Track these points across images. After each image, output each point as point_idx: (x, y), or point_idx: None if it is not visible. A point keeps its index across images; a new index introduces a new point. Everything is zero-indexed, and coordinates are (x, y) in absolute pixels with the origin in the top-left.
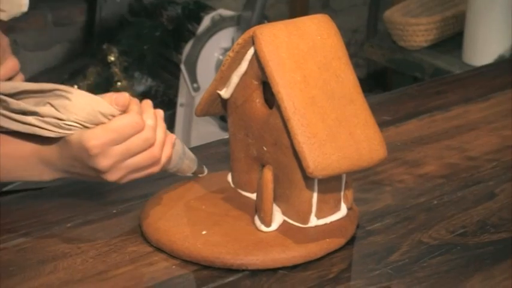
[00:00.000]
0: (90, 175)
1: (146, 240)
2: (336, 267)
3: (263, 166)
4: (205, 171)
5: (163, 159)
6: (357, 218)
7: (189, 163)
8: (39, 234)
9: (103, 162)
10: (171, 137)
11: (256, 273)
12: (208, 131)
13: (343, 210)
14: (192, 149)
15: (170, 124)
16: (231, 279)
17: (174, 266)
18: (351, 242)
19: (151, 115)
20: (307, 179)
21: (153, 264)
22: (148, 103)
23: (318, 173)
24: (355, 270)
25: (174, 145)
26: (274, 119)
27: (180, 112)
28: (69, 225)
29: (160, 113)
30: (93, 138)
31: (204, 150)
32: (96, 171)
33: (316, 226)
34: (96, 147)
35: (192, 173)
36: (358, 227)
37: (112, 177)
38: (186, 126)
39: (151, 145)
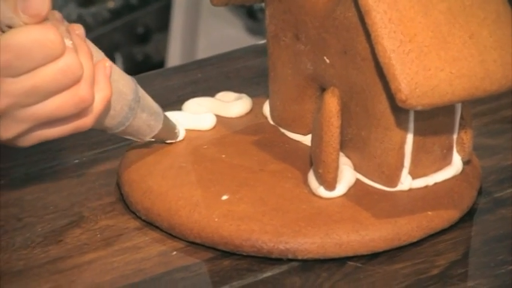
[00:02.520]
0: None
1: (129, 209)
2: (443, 258)
3: (324, 90)
4: (180, 134)
5: (98, 105)
6: (479, 179)
7: (147, 118)
8: None
9: None
10: (104, 65)
11: (310, 265)
12: (226, 35)
13: (455, 165)
14: (201, 63)
15: (162, 24)
16: (268, 274)
17: (174, 252)
18: (468, 217)
19: (63, 32)
20: (398, 111)
21: (141, 248)
22: (54, 15)
23: (416, 101)
24: (474, 263)
25: (109, 77)
26: (344, 10)
27: (179, 3)
28: (1, 182)
29: (79, 29)
30: None
31: (221, 65)
32: None
33: (410, 190)
34: None
35: (154, 138)
36: (480, 192)
37: (6, 131)
38: (190, 27)
39: (75, 81)
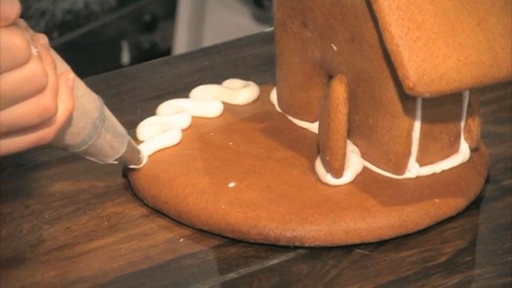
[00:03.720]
0: None
1: (136, 196)
2: (449, 245)
3: (331, 77)
4: (143, 159)
5: (60, 116)
6: (487, 166)
7: (111, 139)
8: None
9: None
10: (67, 77)
11: (317, 252)
12: (233, 23)
13: (463, 153)
14: (208, 51)
15: (169, 12)
16: (275, 261)
17: (181, 240)
18: (475, 204)
19: (29, 39)
20: (405, 98)
21: (148, 235)
22: (20, 22)
23: (423, 89)
24: (481, 251)
25: (72, 90)
26: None
27: None
28: (8, 169)
29: (43, 38)
30: None
31: (228, 53)
32: None
33: (418, 178)
34: None
35: (116, 160)
36: (488, 180)
37: None
38: (197, 15)
39: (40, 90)
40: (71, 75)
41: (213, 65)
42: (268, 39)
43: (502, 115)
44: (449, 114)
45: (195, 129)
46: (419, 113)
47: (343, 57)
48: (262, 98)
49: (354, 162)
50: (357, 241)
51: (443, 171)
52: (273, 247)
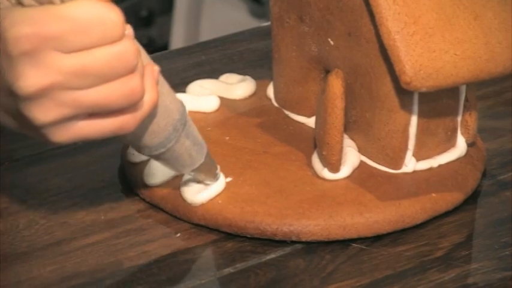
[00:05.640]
0: (8, 106)
1: (133, 191)
2: (446, 240)
3: (328, 72)
4: (220, 176)
5: (144, 106)
6: (484, 161)
7: (189, 147)
8: None
9: (32, 77)
10: (152, 68)
11: (314, 247)
12: (230, 18)
13: (460, 147)
14: (205, 46)
15: (166, 7)
16: (272, 256)
17: (178, 234)
18: (472, 199)
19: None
20: (402, 93)
21: (145, 230)
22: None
23: (420, 84)
24: (478, 245)
25: (157, 82)
26: None
27: None
28: (5, 164)
29: (128, 28)
30: (25, 23)
31: (225, 47)
32: (16, 96)
33: (414, 172)
34: (26, 38)
35: (193, 172)
36: (484, 175)
37: (44, 113)
38: (194, 10)
39: (129, 70)
40: (156, 67)
41: (210, 59)
42: (265, 34)
43: (499, 110)
44: (446, 109)
45: None
46: (416, 107)
47: (340, 52)
48: (259, 92)
49: (351, 157)
50: (354, 236)
51: (440, 166)
52: (270, 242)
